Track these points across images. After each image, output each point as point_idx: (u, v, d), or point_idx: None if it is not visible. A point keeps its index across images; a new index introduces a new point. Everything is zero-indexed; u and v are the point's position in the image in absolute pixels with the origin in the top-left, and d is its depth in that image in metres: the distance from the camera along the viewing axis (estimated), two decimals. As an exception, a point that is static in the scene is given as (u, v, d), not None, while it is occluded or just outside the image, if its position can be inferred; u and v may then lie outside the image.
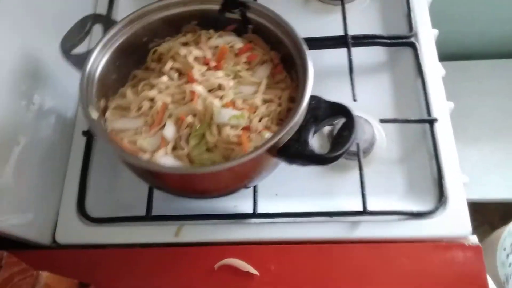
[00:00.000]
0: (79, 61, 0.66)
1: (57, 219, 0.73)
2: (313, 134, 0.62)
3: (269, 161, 0.63)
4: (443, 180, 0.70)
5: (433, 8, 0.90)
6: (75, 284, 0.59)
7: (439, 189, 0.70)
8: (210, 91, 0.66)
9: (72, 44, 0.68)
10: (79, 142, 0.77)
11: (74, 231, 0.72)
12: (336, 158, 0.60)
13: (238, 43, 0.70)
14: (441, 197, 0.70)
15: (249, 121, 0.63)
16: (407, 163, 0.75)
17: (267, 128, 0.64)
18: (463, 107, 1.19)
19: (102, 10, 0.87)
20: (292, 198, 0.73)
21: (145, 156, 0.62)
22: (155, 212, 0.71)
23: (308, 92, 0.61)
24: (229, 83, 0.66)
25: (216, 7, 0.70)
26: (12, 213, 0.67)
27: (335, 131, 0.74)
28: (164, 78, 0.67)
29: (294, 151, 0.60)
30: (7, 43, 0.67)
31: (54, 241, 0.72)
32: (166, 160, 0.61)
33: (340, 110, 0.62)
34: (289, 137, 0.60)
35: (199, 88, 0.64)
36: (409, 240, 0.68)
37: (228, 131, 0.61)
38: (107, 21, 0.71)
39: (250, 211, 0.70)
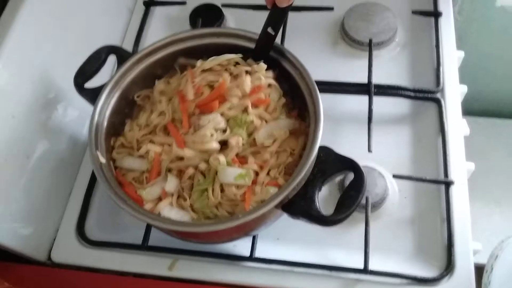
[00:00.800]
0: (93, 96, 0.66)
1: (55, 237, 0.73)
2: (320, 189, 0.60)
3: (273, 214, 0.61)
4: (453, 247, 0.67)
5: (465, 62, 0.88)
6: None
7: (448, 256, 0.67)
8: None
9: (85, 78, 0.68)
10: (88, 164, 0.78)
11: (70, 251, 0.72)
12: (340, 221, 0.58)
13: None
14: (448, 265, 0.67)
15: (255, 175, 0.62)
16: (417, 223, 0.72)
17: (274, 179, 0.62)
18: (487, 165, 1.15)
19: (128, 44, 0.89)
20: (293, 245, 0.71)
21: (147, 206, 0.61)
22: (152, 242, 0.70)
23: (317, 145, 0.59)
24: (239, 139, 0.63)
25: (232, 41, 0.69)
26: (15, 223, 0.67)
27: (346, 182, 0.72)
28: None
29: (299, 209, 0.58)
30: (32, 59, 0.68)
31: (49, 258, 0.72)
32: (169, 210, 0.60)
33: (350, 166, 0.60)
34: (295, 193, 0.58)
35: (188, 153, 0.62)
36: (409, 306, 0.65)
37: (233, 190, 0.60)
38: (121, 53, 0.71)
39: (248, 254, 0.68)
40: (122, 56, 0.70)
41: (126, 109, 0.70)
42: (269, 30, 0.64)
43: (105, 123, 0.65)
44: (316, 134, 0.59)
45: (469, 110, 1.00)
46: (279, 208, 0.57)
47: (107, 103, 0.66)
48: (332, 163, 0.60)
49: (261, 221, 0.62)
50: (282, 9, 0.62)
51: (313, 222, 0.57)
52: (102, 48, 0.70)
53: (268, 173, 0.62)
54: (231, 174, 0.60)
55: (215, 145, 0.62)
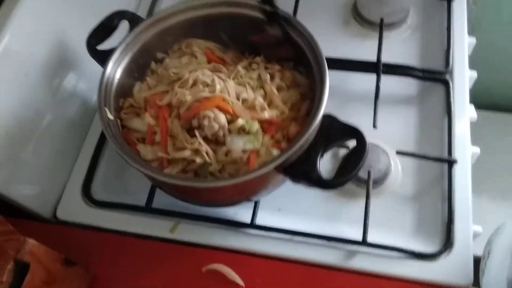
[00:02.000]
0: (104, 58, 0.67)
1: (61, 196, 0.75)
2: (322, 155, 0.60)
3: (275, 178, 0.62)
4: (452, 224, 0.68)
5: (477, 52, 0.87)
6: (60, 258, 0.60)
7: (447, 233, 0.67)
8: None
9: (98, 40, 0.70)
10: (97, 127, 0.79)
11: (75, 210, 0.73)
12: (340, 185, 0.58)
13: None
14: (447, 242, 0.67)
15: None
16: (418, 200, 0.72)
17: (277, 143, 0.63)
18: (495, 160, 1.15)
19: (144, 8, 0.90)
20: (294, 216, 0.71)
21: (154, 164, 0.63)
22: (155, 204, 0.71)
23: (322, 110, 0.59)
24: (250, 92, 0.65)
25: (246, 11, 0.70)
26: (23, 183, 0.69)
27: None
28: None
29: (301, 172, 0.59)
30: (43, 26, 0.69)
31: (54, 216, 0.74)
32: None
33: (353, 133, 0.60)
34: (297, 157, 0.58)
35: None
36: (405, 280, 0.65)
37: (239, 154, 0.61)
38: (133, 19, 0.72)
39: (249, 221, 0.69)
40: (134, 21, 0.71)
41: (136, 73, 0.71)
42: (269, 8, 0.66)
43: (115, 83, 0.66)
44: (321, 101, 0.60)
45: (479, 103, 1.00)
46: (280, 170, 0.58)
47: (118, 64, 0.67)
48: (336, 130, 0.61)
49: (262, 183, 0.62)
50: None
51: (313, 186, 0.58)
52: (115, 13, 0.71)
53: (272, 137, 0.62)
54: (240, 141, 0.61)
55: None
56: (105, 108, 0.63)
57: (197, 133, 0.62)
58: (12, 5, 0.64)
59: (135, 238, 0.71)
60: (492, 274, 0.64)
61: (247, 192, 0.64)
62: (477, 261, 0.65)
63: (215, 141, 0.63)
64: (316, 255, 0.68)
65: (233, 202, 0.68)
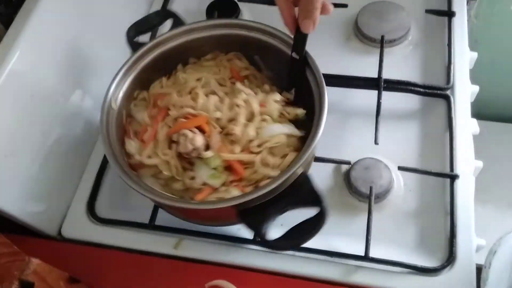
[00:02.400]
0: (138, 47, 0.70)
1: (66, 213, 0.76)
2: (278, 214, 0.59)
3: (226, 214, 0.62)
4: (455, 239, 0.68)
5: (480, 64, 0.88)
6: (65, 277, 0.61)
7: (449, 247, 0.68)
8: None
9: (137, 32, 0.73)
10: (102, 145, 0.80)
11: (80, 227, 0.74)
12: (280, 249, 0.59)
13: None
14: (449, 256, 0.67)
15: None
16: (421, 215, 0.72)
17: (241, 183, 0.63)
18: (499, 170, 1.15)
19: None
20: (296, 231, 0.72)
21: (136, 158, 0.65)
22: (159, 221, 0.72)
23: (302, 161, 0.58)
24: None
25: (245, 33, 0.71)
26: (29, 200, 0.70)
27: (352, 172, 0.73)
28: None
29: (251, 220, 0.58)
30: (54, 42, 0.71)
31: (59, 233, 0.75)
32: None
33: (318, 202, 0.58)
34: (254, 204, 0.57)
35: None
36: (408, 295, 0.65)
37: (199, 184, 0.63)
38: (178, 20, 0.74)
39: (251, 237, 0.70)
40: (177, 23, 0.74)
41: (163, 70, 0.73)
42: (294, 55, 0.66)
43: (132, 76, 0.70)
44: (308, 147, 0.60)
45: (483, 114, 1.00)
46: (234, 209, 0.58)
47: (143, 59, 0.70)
48: (304, 193, 0.58)
49: (216, 215, 0.63)
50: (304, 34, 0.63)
51: (257, 238, 0.57)
52: (160, 11, 0.75)
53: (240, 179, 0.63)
54: (205, 172, 0.62)
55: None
56: (112, 98, 0.66)
57: (173, 146, 0.63)
58: (20, 26, 0.66)
59: (139, 254, 0.71)
60: (493, 284, 0.64)
61: (223, 218, 0.65)
62: (480, 271, 0.65)
63: (189, 161, 0.64)
64: (318, 270, 0.68)
65: (230, 223, 0.68)
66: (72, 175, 0.78)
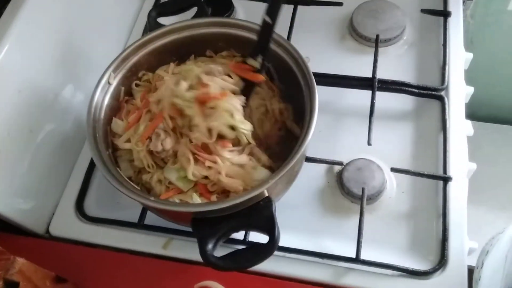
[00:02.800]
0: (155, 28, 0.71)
1: (55, 211, 0.75)
2: (232, 231, 0.58)
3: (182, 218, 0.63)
4: (447, 242, 0.67)
5: (475, 65, 0.87)
6: (51, 276, 0.60)
7: (441, 250, 0.67)
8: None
9: (160, 13, 0.73)
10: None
11: (68, 226, 0.73)
12: (221, 269, 0.56)
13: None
14: (441, 259, 0.66)
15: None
16: (413, 217, 0.72)
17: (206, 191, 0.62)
18: (493, 171, 1.15)
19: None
20: (288, 232, 0.70)
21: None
22: (148, 221, 0.71)
23: (268, 184, 0.56)
24: None
25: (237, 32, 0.70)
26: (17, 198, 0.69)
27: (345, 173, 0.72)
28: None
29: (200, 231, 0.56)
30: (42, 38, 0.70)
31: (47, 231, 0.74)
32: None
33: (272, 231, 0.56)
34: (208, 216, 0.57)
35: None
36: (399, 298, 0.65)
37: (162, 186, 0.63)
38: (202, 9, 0.73)
39: (242, 237, 0.69)
40: (202, 12, 0.73)
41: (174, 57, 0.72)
42: (266, 18, 0.64)
43: (138, 57, 0.69)
44: (301, 145, 0.59)
45: (478, 115, 1.00)
46: (189, 215, 0.57)
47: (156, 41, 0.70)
48: (263, 217, 0.57)
49: (175, 216, 0.63)
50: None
51: (200, 251, 0.56)
52: None
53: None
54: (174, 175, 0.62)
55: None
56: (112, 73, 0.67)
57: (147, 141, 0.63)
58: (9, 20, 0.65)
59: (127, 254, 0.70)
60: (485, 285, 0.64)
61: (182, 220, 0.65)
62: (472, 274, 0.65)
63: (163, 159, 0.64)
64: (309, 272, 0.67)
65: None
66: (61, 173, 0.77)
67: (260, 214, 0.57)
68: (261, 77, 0.66)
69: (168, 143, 0.61)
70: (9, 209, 0.68)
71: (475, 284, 0.64)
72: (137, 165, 0.64)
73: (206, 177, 0.61)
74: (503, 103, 1.29)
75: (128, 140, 0.65)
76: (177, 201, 0.61)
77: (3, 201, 0.66)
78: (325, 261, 0.68)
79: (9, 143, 0.65)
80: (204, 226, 0.57)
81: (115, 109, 0.68)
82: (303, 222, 0.72)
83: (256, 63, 0.66)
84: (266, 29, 0.64)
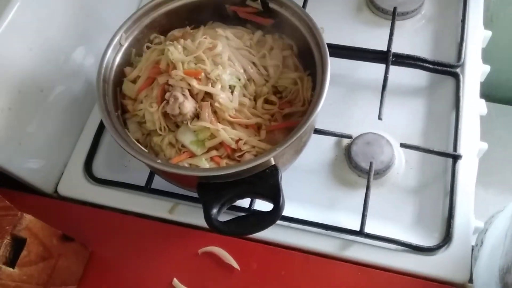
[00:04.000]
0: None
1: (63, 171, 0.76)
2: (236, 198, 0.58)
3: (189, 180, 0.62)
4: (452, 219, 0.67)
5: (493, 44, 0.85)
6: (58, 234, 0.61)
7: (446, 228, 0.67)
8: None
9: None
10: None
11: (76, 186, 0.74)
12: (221, 232, 0.56)
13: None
14: (446, 237, 0.66)
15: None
16: (420, 194, 0.71)
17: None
18: (504, 153, 1.13)
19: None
20: (294, 202, 0.70)
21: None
22: (155, 185, 0.71)
23: (276, 152, 0.56)
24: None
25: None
26: (27, 157, 0.70)
27: (353, 146, 0.72)
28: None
29: (206, 195, 0.57)
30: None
31: (55, 191, 0.74)
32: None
33: (277, 198, 0.56)
34: (215, 181, 0.57)
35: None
36: (401, 273, 0.65)
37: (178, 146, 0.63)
38: None
39: (247, 205, 0.69)
40: None
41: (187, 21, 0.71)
42: None
43: (151, 19, 0.69)
44: (311, 113, 0.58)
45: (492, 96, 0.97)
46: (194, 180, 0.57)
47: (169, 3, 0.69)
48: (268, 185, 0.57)
49: (180, 179, 0.64)
50: None
51: (204, 215, 0.56)
52: None
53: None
54: (188, 137, 0.61)
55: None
56: (123, 34, 0.66)
57: (162, 104, 0.62)
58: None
59: (134, 217, 0.71)
60: (484, 263, 0.64)
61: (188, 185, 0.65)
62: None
63: (175, 122, 0.63)
64: (312, 242, 0.68)
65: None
66: (71, 134, 0.77)
67: (266, 181, 0.57)
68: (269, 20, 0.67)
69: (187, 106, 0.60)
70: (18, 167, 0.68)
71: (474, 261, 0.64)
72: (148, 127, 0.64)
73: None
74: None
75: (140, 101, 0.64)
76: (186, 165, 0.61)
77: (13, 160, 0.67)
78: (329, 232, 0.68)
79: (20, 102, 0.65)
80: (210, 191, 0.57)
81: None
82: (309, 194, 0.72)
83: (257, 5, 0.67)
84: None
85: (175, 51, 0.62)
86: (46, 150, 0.73)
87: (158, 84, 0.63)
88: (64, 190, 0.74)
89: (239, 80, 0.64)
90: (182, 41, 0.65)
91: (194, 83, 0.60)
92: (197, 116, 0.62)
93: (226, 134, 0.61)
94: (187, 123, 0.61)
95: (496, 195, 1.16)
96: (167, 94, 0.61)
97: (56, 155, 0.75)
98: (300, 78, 0.67)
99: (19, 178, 0.69)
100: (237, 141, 0.61)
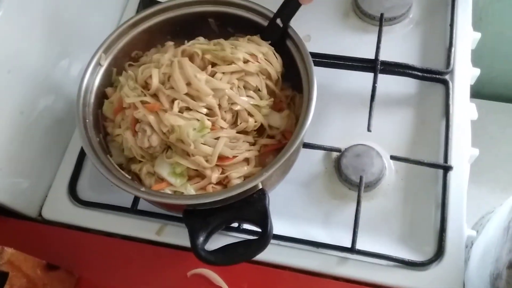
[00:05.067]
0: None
1: (47, 194, 0.74)
2: (224, 224, 0.57)
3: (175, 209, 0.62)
4: (444, 233, 0.66)
5: (482, 44, 0.84)
6: (42, 264, 0.59)
7: (439, 241, 0.66)
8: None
9: None
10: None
11: (61, 209, 0.73)
12: (210, 263, 0.55)
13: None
14: (438, 251, 0.65)
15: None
16: (411, 206, 0.70)
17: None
18: (495, 151, 1.12)
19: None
20: (282, 219, 0.69)
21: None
22: (141, 206, 0.70)
23: (263, 177, 0.55)
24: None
25: (235, 11, 0.67)
26: (9, 181, 0.68)
27: (343, 159, 0.71)
28: None
29: (191, 223, 0.55)
30: (34, 13, 0.67)
31: (40, 215, 0.73)
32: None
33: (264, 225, 0.55)
34: (200, 208, 0.55)
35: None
36: (394, 289, 0.64)
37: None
38: None
39: (235, 224, 0.68)
40: None
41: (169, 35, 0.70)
42: (278, 21, 0.62)
43: (131, 36, 0.67)
44: (293, 143, 0.57)
45: (482, 93, 0.96)
46: (181, 207, 0.56)
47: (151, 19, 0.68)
48: (255, 210, 0.56)
49: (167, 207, 0.63)
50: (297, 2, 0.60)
51: (191, 245, 0.55)
52: None
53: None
54: (166, 169, 0.60)
55: None
56: (103, 54, 0.65)
57: (136, 135, 0.61)
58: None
59: (121, 239, 0.70)
60: (474, 267, 0.64)
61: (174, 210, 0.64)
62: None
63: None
64: (303, 261, 0.67)
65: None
66: (54, 155, 0.75)
67: (254, 207, 0.56)
68: None
69: (154, 140, 0.59)
70: (0, 192, 0.66)
71: (465, 264, 0.63)
72: (126, 155, 0.62)
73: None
74: (509, 81, 1.25)
75: (118, 126, 0.63)
76: (169, 192, 0.59)
77: (-1, 183, 0.65)
78: (320, 250, 0.67)
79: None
80: (196, 218, 0.56)
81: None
82: (298, 210, 0.71)
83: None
84: (274, 30, 0.64)
85: (126, 87, 0.61)
86: (29, 173, 0.71)
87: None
88: (49, 213, 0.72)
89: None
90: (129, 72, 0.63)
91: (152, 121, 0.58)
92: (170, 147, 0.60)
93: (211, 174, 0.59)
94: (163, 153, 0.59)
95: (488, 193, 1.16)
96: (137, 126, 0.60)
97: (39, 177, 0.73)
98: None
99: (1, 203, 0.67)
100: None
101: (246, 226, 0.68)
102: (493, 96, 1.26)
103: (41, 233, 0.70)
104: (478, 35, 0.83)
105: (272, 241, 0.66)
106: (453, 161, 0.70)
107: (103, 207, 0.71)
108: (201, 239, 0.55)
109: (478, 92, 0.76)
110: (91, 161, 0.58)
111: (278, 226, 0.68)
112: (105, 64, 0.65)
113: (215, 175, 0.58)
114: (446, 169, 0.69)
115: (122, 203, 0.71)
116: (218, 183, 0.60)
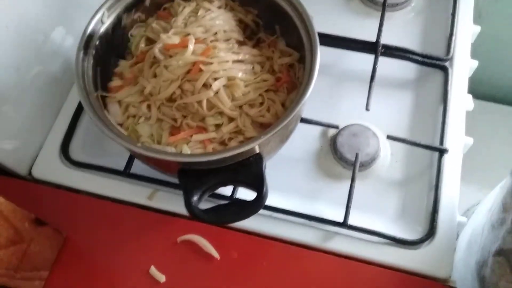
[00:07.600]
0: None
1: (38, 153, 0.72)
2: (219, 185, 0.56)
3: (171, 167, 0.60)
4: (437, 214, 0.66)
5: (480, 40, 0.85)
6: (30, 218, 0.58)
7: (430, 222, 0.66)
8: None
9: None
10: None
11: (51, 169, 0.71)
12: (201, 220, 0.54)
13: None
14: (429, 231, 0.65)
15: None
16: (405, 187, 0.70)
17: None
18: (487, 150, 1.13)
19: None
20: (276, 191, 0.69)
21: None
22: (134, 170, 0.69)
23: (261, 140, 0.54)
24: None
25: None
26: (0, 137, 0.66)
27: (339, 138, 0.71)
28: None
29: (187, 182, 0.55)
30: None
31: (30, 173, 0.71)
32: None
33: (260, 187, 0.54)
34: (198, 167, 0.55)
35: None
36: (383, 266, 0.64)
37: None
38: None
39: (229, 194, 0.67)
40: None
41: None
42: None
43: None
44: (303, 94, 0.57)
45: (477, 93, 0.96)
46: (176, 166, 0.56)
47: None
48: (251, 173, 0.55)
49: (162, 167, 0.62)
50: None
51: (184, 202, 0.54)
52: None
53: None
54: (146, 130, 0.60)
55: None
56: (106, 11, 0.64)
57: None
58: None
59: (111, 202, 0.69)
60: (461, 256, 0.64)
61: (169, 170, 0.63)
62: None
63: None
64: (295, 233, 0.66)
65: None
66: (47, 115, 0.74)
67: (249, 170, 0.55)
68: None
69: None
70: (-7, 148, 0.65)
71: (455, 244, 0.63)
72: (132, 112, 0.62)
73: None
74: (505, 82, 1.27)
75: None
76: (170, 150, 0.58)
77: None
78: (312, 223, 0.66)
79: (-6, 79, 0.63)
80: (191, 178, 0.55)
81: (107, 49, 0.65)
82: (292, 184, 0.70)
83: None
84: None
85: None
86: (21, 131, 0.70)
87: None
88: (39, 172, 0.71)
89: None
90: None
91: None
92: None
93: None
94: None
95: (477, 191, 1.16)
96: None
97: (31, 136, 0.72)
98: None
99: (-10, 159, 0.66)
100: None
101: (240, 195, 0.68)
102: (488, 96, 1.27)
103: (30, 192, 0.69)
104: (478, 29, 0.84)
105: (264, 212, 0.67)
106: (448, 144, 0.70)
107: (96, 169, 0.70)
108: (195, 198, 0.54)
109: (473, 92, 0.77)
110: (88, 114, 0.57)
111: (272, 198, 0.67)
112: (107, 22, 0.64)
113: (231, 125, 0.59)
114: (442, 151, 0.69)
115: (115, 165, 0.70)
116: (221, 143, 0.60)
